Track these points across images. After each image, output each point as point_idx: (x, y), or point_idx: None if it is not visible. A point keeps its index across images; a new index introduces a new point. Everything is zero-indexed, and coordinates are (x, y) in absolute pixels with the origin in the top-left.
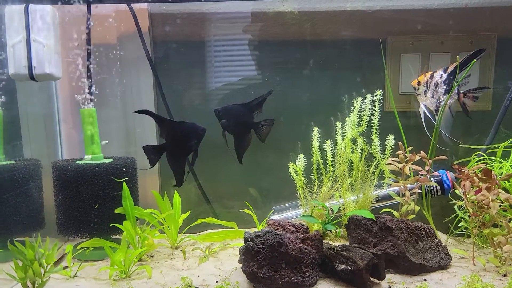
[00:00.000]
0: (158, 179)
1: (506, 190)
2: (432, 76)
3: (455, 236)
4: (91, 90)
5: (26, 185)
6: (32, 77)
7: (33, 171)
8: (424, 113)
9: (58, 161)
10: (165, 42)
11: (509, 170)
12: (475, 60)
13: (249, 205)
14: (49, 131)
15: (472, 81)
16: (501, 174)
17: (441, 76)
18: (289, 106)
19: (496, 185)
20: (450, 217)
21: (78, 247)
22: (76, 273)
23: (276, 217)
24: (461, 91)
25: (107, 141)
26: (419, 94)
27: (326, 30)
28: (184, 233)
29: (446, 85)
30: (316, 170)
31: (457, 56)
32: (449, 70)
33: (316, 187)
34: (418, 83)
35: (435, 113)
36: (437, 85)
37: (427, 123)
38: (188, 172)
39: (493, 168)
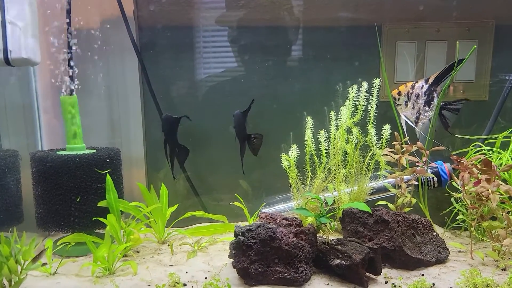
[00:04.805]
0: (144, 171)
1: (505, 181)
2: (413, 87)
3: (452, 229)
4: (73, 77)
5: (3, 177)
6: (7, 62)
7: (10, 163)
8: (406, 123)
9: (38, 152)
10: (151, 27)
11: (508, 160)
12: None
13: (239, 197)
14: (29, 121)
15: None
16: (500, 165)
17: (422, 87)
18: (280, 95)
19: (496, 177)
20: (447, 210)
21: (58, 243)
22: (56, 270)
23: (267, 210)
24: (441, 103)
25: None
26: (399, 104)
27: (319, 15)
28: (171, 227)
29: (426, 96)
30: (309, 161)
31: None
32: (430, 81)
33: (309, 179)
34: (399, 93)
35: (415, 125)
36: (418, 96)
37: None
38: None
39: (492, 159)
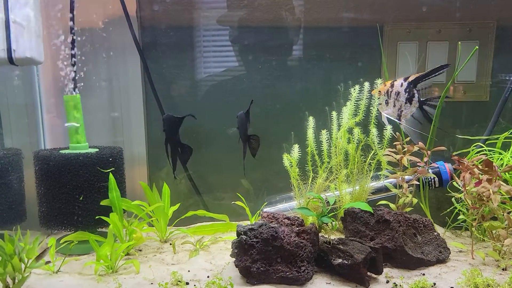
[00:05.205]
0: (146, 170)
1: (506, 182)
2: (392, 85)
3: (453, 229)
4: (76, 76)
5: (6, 175)
6: (11, 61)
7: (13, 161)
8: (388, 120)
9: (41, 151)
10: (154, 27)
11: (509, 161)
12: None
13: (241, 197)
14: (31, 120)
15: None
16: (501, 165)
17: (401, 85)
18: (282, 95)
19: (498, 177)
20: (448, 210)
21: (62, 241)
22: (59, 268)
23: (269, 209)
24: (421, 99)
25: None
26: (380, 103)
27: (321, 16)
28: (173, 226)
29: (407, 94)
30: (311, 161)
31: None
32: (410, 79)
33: (311, 178)
34: (379, 93)
35: (398, 122)
36: (398, 94)
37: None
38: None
39: (493, 159)
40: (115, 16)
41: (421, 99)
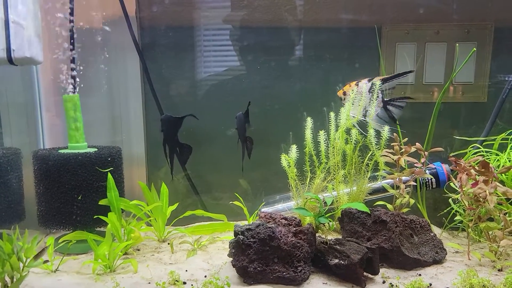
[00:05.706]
0: (144, 170)
1: (502, 183)
2: (357, 86)
3: (449, 230)
4: (75, 76)
5: (5, 175)
6: (10, 61)
7: (12, 160)
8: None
9: (39, 150)
10: (153, 27)
11: (506, 162)
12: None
13: (239, 197)
14: (31, 119)
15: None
16: (498, 166)
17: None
18: (281, 95)
19: (494, 178)
20: (445, 211)
21: (60, 240)
22: (57, 267)
23: (267, 209)
24: (385, 99)
25: None
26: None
27: (320, 16)
28: (171, 225)
29: (371, 94)
30: (308, 161)
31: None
32: (374, 80)
33: (308, 179)
34: (344, 93)
35: (363, 120)
36: (362, 94)
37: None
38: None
39: (490, 160)
40: (114, 17)
41: (385, 99)
